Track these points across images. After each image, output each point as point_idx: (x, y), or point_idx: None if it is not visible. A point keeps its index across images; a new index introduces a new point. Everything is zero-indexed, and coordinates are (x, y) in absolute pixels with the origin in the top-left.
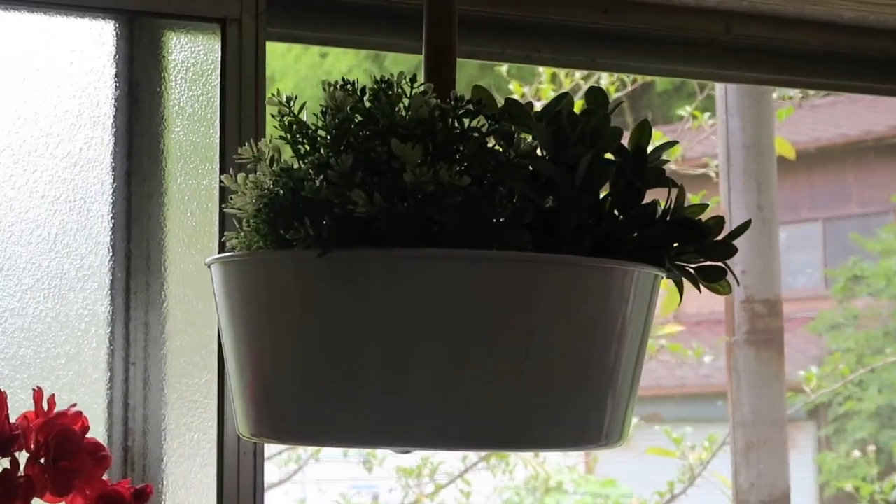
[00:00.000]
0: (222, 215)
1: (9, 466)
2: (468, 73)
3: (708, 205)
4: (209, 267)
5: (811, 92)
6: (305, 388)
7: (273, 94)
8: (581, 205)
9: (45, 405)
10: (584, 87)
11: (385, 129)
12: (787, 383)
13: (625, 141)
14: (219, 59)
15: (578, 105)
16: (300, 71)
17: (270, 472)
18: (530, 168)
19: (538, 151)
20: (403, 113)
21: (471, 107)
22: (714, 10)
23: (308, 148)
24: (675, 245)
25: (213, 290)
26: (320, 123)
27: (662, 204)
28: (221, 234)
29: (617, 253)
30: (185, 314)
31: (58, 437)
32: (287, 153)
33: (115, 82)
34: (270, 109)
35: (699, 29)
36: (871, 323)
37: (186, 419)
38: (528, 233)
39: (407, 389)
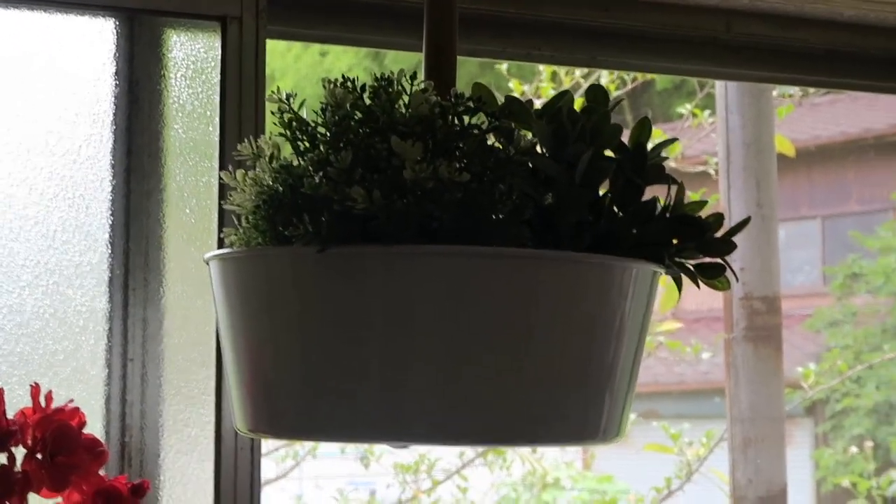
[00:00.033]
0: (221, 212)
1: (6, 462)
2: (468, 72)
3: (707, 202)
4: (208, 263)
5: (811, 90)
6: (304, 384)
7: (273, 92)
8: (581, 201)
9: (42, 401)
10: (585, 85)
11: (385, 127)
12: (785, 380)
13: (625, 139)
14: (219, 56)
15: (579, 103)
16: (300, 70)
17: (267, 468)
18: (530, 165)
19: (538, 148)
20: (403, 110)
21: (471, 104)
22: (714, 7)
23: (308, 145)
24: (675, 242)
25: (212, 287)
26: (320, 120)
27: (662, 201)
28: (220, 231)
29: (616, 249)
30: (184, 311)
31: (55, 432)
32: (286, 150)
33: (115, 80)
34: (270, 106)
35: (699, 27)
36: (869, 320)
37: (184, 415)
38: (528, 229)
39: (406, 386)
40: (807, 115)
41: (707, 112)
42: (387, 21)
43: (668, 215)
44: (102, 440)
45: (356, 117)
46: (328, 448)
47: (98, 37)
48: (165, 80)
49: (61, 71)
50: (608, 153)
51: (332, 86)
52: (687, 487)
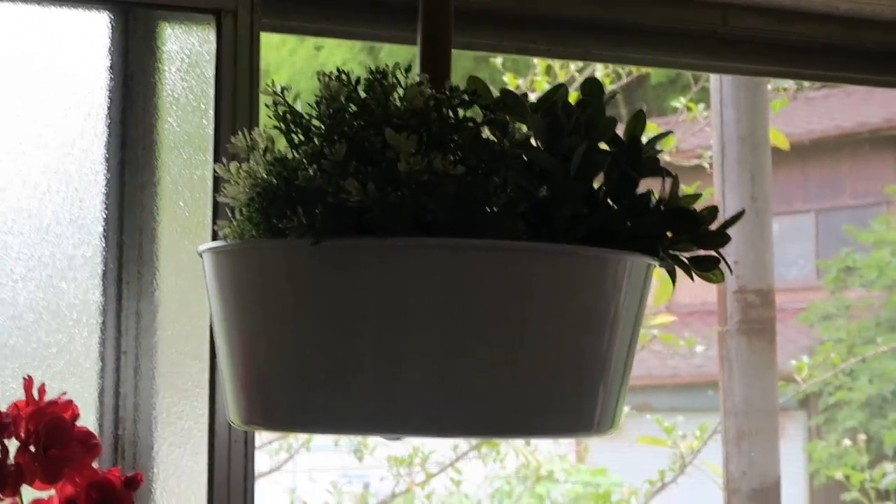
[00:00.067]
0: (215, 206)
1: None
2: (463, 66)
3: (701, 195)
4: (201, 256)
5: (806, 84)
6: (298, 376)
7: (268, 84)
8: (575, 194)
9: (35, 394)
10: (580, 79)
11: (379, 119)
12: (778, 373)
13: (619, 132)
14: (213, 50)
15: (574, 97)
16: (295, 64)
17: (261, 460)
18: (525, 158)
19: (533, 142)
20: (398, 103)
21: (465, 97)
22: (710, 1)
23: (302, 137)
24: (669, 234)
25: (206, 280)
26: (314, 113)
27: (656, 194)
28: (214, 224)
29: (611, 242)
30: (177, 303)
31: (48, 425)
32: (281, 143)
33: (110, 73)
34: (265, 99)
35: (695, 20)
36: (862, 313)
37: (177, 408)
38: (523, 222)
39: (401, 378)
40: (801, 108)
41: (701, 106)
42: (382, 14)
43: (662, 208)
44: (96, 433)
45: (351, 110)
46: (322, 441)
47: (92, 29)
48: (160, 72)
49: (55, 64)
50: (603, 146)
51: (326, 79)
52: (680, 480)
